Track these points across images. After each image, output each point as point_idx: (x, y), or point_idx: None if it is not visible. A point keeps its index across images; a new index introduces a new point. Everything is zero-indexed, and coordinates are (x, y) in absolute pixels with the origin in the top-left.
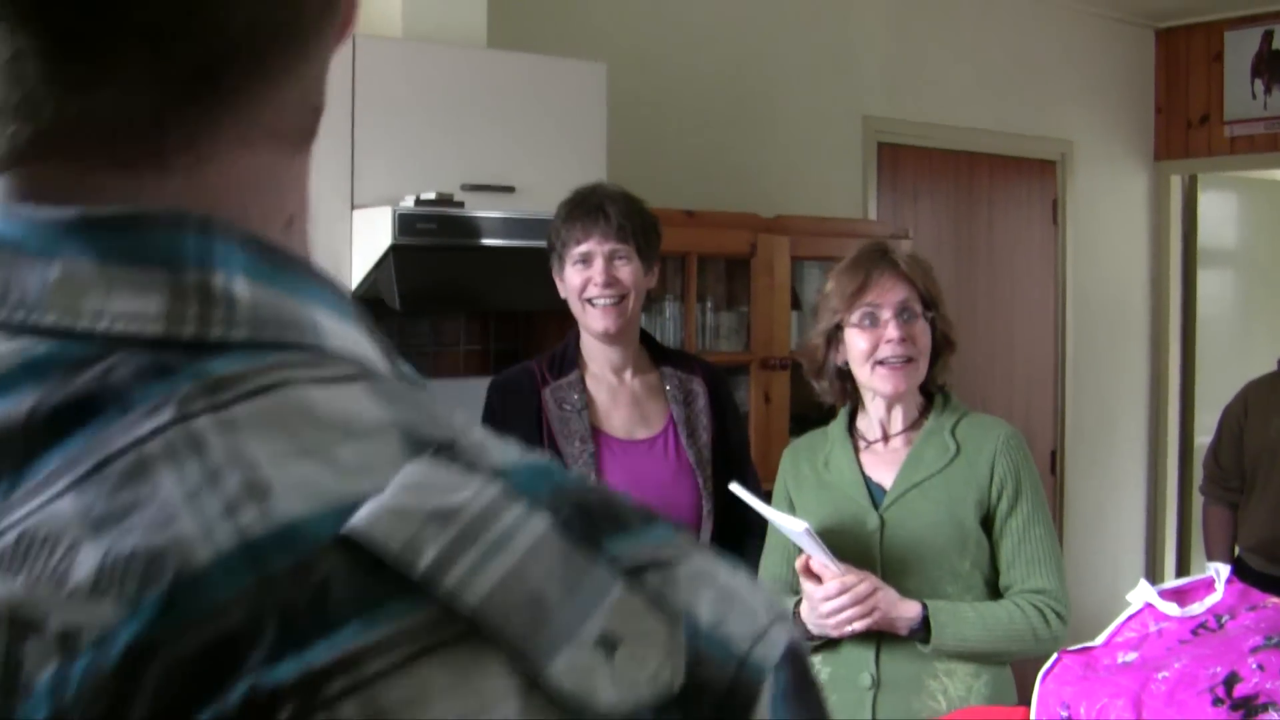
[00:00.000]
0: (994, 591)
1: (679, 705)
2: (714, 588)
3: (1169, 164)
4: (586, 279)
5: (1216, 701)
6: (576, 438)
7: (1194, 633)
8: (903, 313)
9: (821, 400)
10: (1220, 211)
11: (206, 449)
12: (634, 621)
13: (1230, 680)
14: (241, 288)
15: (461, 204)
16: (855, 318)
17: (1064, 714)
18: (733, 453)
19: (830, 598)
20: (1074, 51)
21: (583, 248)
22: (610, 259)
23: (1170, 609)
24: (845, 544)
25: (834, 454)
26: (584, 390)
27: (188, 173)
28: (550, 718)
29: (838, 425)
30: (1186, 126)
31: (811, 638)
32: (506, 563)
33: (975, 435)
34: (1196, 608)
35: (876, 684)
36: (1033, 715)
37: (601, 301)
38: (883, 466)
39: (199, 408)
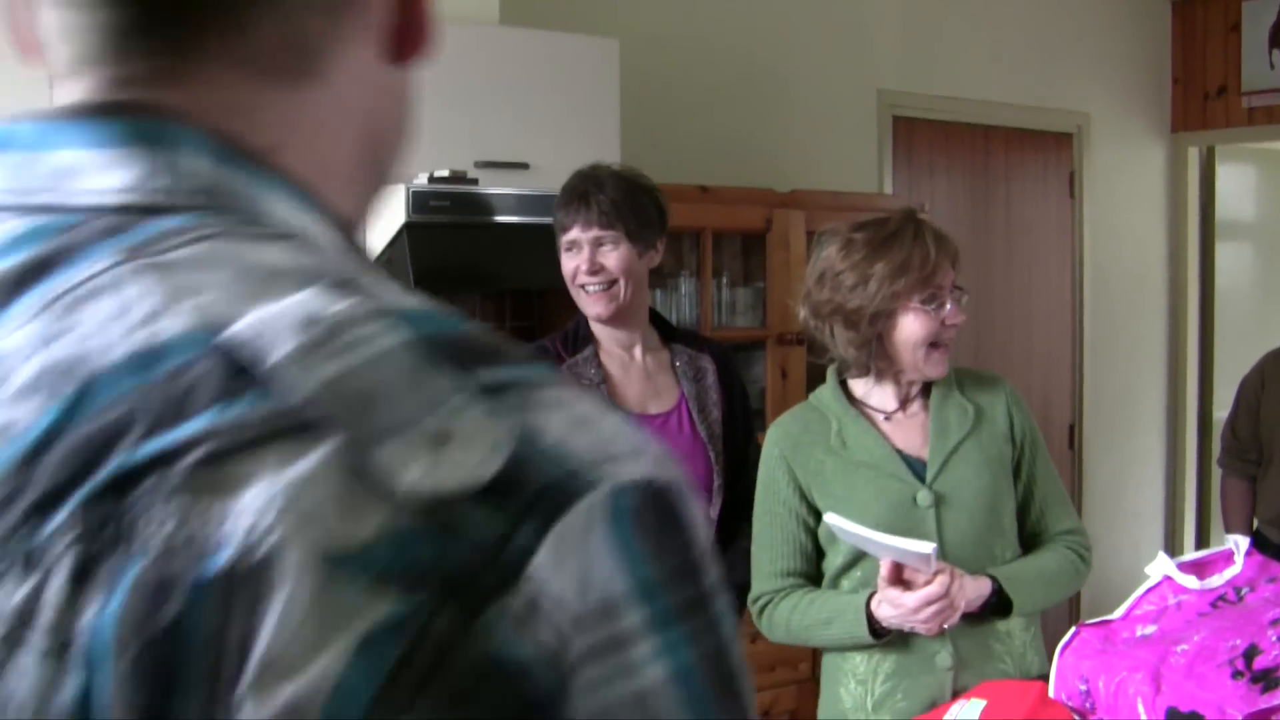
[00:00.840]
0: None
1: (482, 498)
2: (569, 413)
3: (1186, 135)
4: (575, 266)
5: (1236, 674)
6: None
7: (1213, 605)
8: (954, 292)
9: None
10: (1238, 183)
11: (140, 279)
12: (469, 423)
13: (1250, 653)
14: (205, 167)
15: (475, 181)
16: (918, 300)
17: (1083, 688)
18: (740, 429)
19: (932, 600)
20: (1090, 23)
21: (570, 235)
22: (596, 245)
23: (1189, 582)
24: (898, 524)
25: (849, 430)
26: (599, 365)
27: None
28: (356, 491)
29: (831, 398)
30: (1204, 98)
31: (886, 632)
32: (344, 363)
33: (983, 393)
34: (1215, 580)
35: (958, 661)
36: (1051, 688)
37: (592, 288)
38: (907, 436)
39: (142, 252)
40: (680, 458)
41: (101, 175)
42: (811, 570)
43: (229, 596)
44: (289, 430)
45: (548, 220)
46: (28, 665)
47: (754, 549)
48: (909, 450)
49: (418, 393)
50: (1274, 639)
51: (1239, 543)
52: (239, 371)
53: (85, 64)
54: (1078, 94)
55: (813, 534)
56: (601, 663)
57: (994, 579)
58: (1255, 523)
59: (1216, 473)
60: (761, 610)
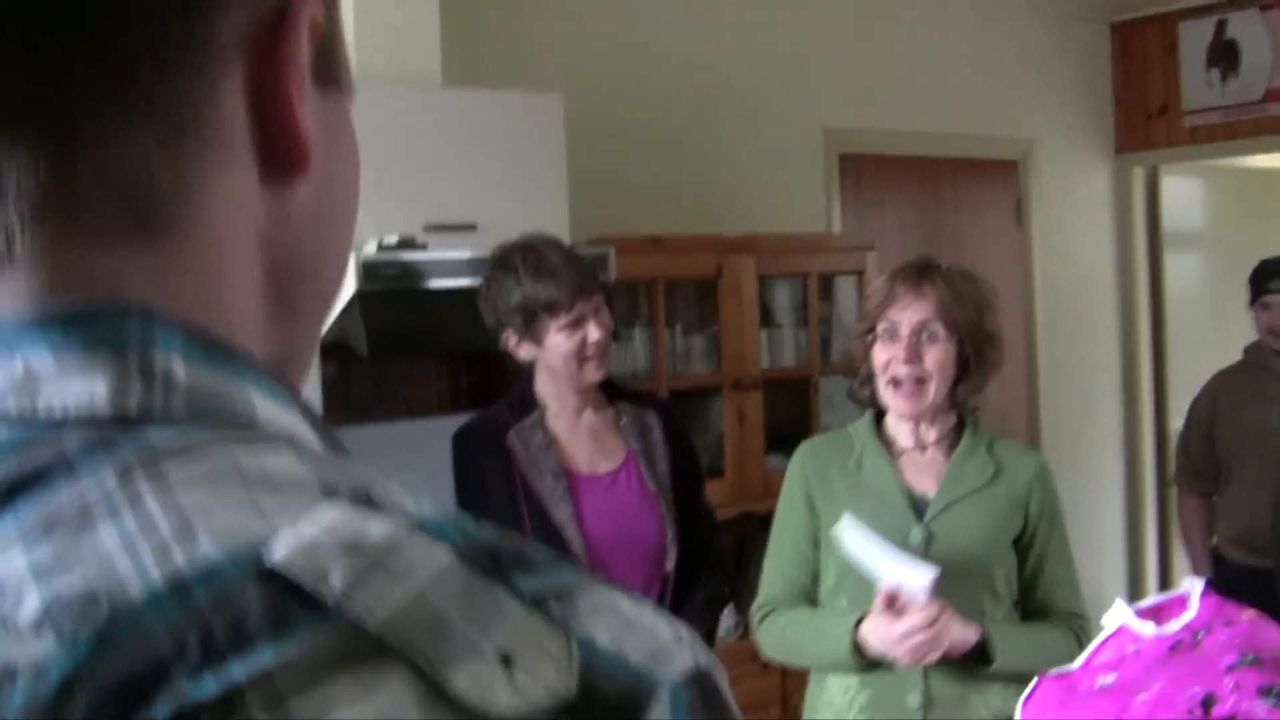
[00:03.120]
0: (1016, 608)
1: (571, 712)
2: (614, 615)
3: (1130, 156)
4: (581, 340)
5: None
6: (549, 474)
7: (1171, 651)
8: (921, 332)
9: (821, 412)
10: (1183, 200)
11: (141, 503)
12: (531, 639)
13: (1208, 701)
14: (179, 367)
15: (424, 245)
16: (880, 330)
17: None
18: (689, 484)
19: (916, 630)
20: (1031, 50)
21: (574, 312)
22: (594, 314)
23: (1146, 628)
24: None
25: (867, 458)
26: (547, 429)
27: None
28: (452, 718)
29: (864, 429)
30: (1146, 118)
31: (868, 659)
32: (411, 587)
33: (1011, 459)
34: (1172, 625)
35: (926, 704)
36: None
37: (596, 357)
38: (921, 476)
39: (138, 472)
40: (631, 515)
41: (69, 383)
42: (814, 587)
43: None
44: (362, 658)
45: None
46: None
47: (766, 558)
48: (918, 489)
49: (474, 611)
50: (1230, 686)
51: (1195, 585)
52: (292, 599)
53: None
54: (1022, 121)
55: (819, 551)
56: None
57: (984, 630)
58: (1214, 539)
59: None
60: (762, 620)
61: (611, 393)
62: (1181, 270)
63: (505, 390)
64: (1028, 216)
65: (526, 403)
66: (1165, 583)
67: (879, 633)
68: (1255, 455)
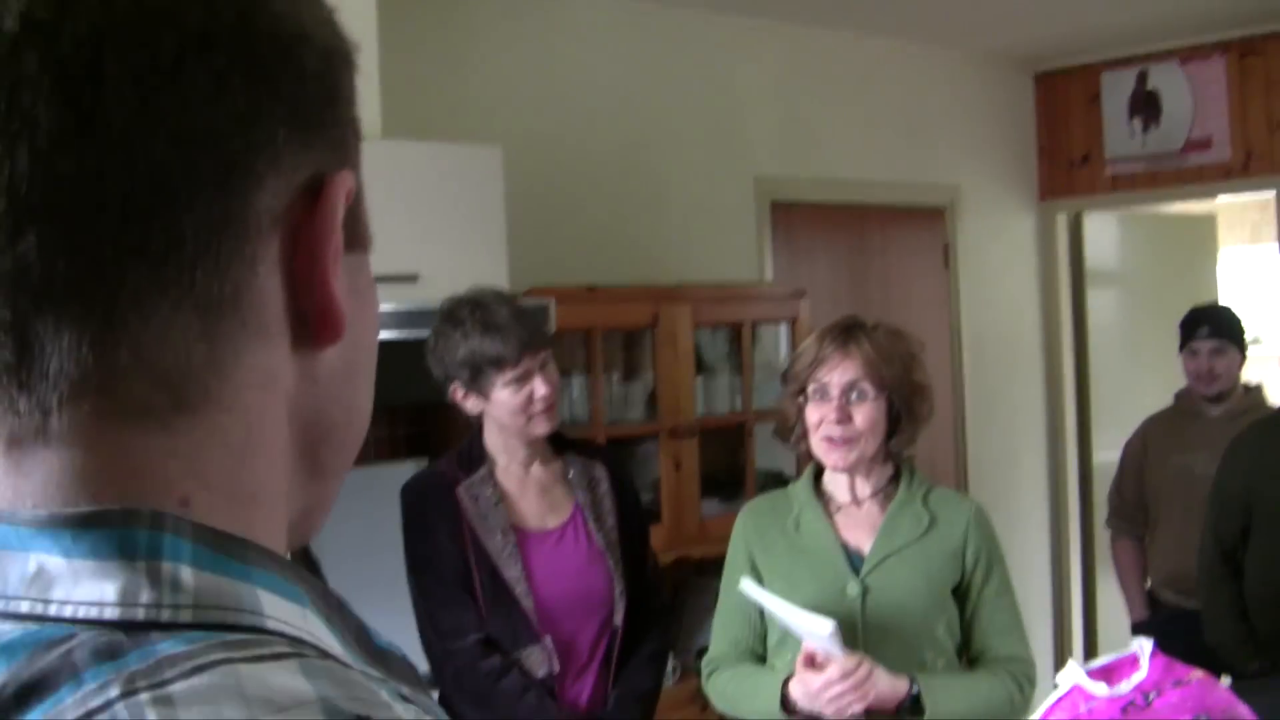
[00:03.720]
0: (960, 657)
1: None
2: None
3: (1054, 203)
4: (528, 395)
5: None
6: (498, 531)
7: (1123, 711)
8: (851, 391)
9: (744, 463)
10: (1105, 242)
11: None
12: None
13: None
14: (187, 574)
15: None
16: (810, 391)
17: None
18: (635, 537)
19: (832, 683)
20: (957, 99)
21: (521, 367)
22: (542, 369)
23: (1098, 689)
24: (824, 610)
25: (805, 516)
26: (496, 484)
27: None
28: None
29: (803, 487)
30: (1069, 166)
31: (798, 714)
32: None
33: (946, 508)
34: (1124, 686)
35: None
36: None
37: (543, 411)
38: (857, 531)
39: (141, 685)
40: (580, 570)
41: (81, 586)
42: (761, 644)
43: None
44: None
45: None
46: None
47: (715, 617)
48: (855, 544)
49: None
50: None
51: (1144, 645)
52: None
53: None
54: (948, 168)
55: (763, 611)
56: None
57: (913, 680)
58: (1149, 582)
59: (1100, 528)
60: (709, 675)
61: (559, 444)
62: (1103, 310)
63: (444, 440)
64: (955, 262)
65: (475, 457)
66: (1089, 620)
67: (801, 686)
68: (1181, 500)
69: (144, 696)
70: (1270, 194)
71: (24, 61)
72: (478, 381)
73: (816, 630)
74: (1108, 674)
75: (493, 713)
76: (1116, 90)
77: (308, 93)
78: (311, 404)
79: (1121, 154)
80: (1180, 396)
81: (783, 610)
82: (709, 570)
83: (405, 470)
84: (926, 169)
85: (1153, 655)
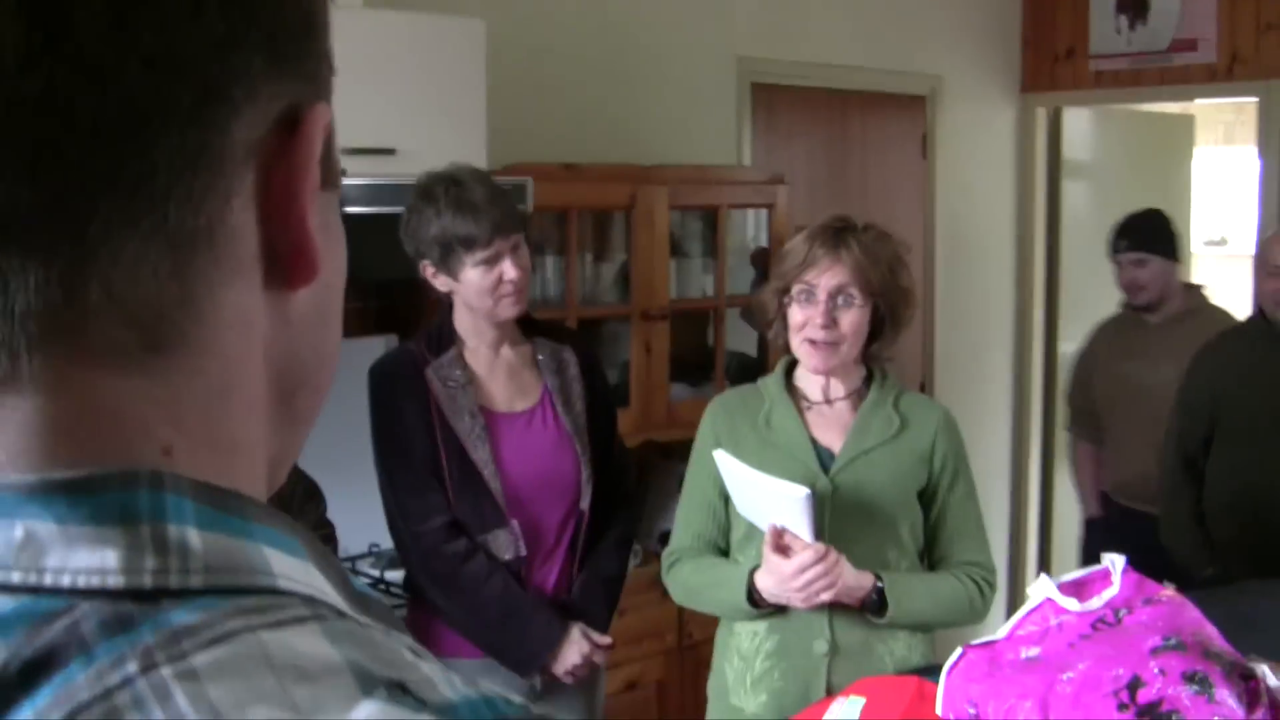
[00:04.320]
0: (923, 559)
1: None
2: None
3: (1035, 96)
4: (498, 276)
5: (1121, 706)
6: (466, 413)
7: (1093, 627)
8: (837, 296)
9: (713, 346)
10: (1083, 142)
11: (171, 699)
12: None
13: (1133, 685)
14: (194, 537)
15: (343, 170)
16: (795, 291)
17: (972, 712)
18: (603, 422)
19: (805, 569)
20: None
21: (492, 249)
22: (513, 251)
23: (1070, 604)
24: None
25: (776, 413)
26: (465, 366)
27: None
28: None
29: (774, 383)
30: (1053, 60)
31: (764, 607)
32: None
33: (916, 412)
34: (1095, 602)
35: (833, 650)
36: (938, 709)
37: (511, 294)
38: (828, 430)
39: (161, 658)
40: (547, 453)
41: (77, 553)
42: (724, 539)
43: None
44: None
45: None
46: None
47: (678, 509)
48: (826, 443)
49: None
50: (1155, 670)
51: (1115, 561)
52: None
53: None
54: (931, 57)
55: (728, 503)
56: None
57: (878, 578)
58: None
59: (1061, 427)
60: (670, 566)
61: (528, 328)
62: (1077, 205)
63: (415, 317)
64: (933, 152)
65: (444, 338)
66: (1046, 520)
67: (771, 575)
68: (1126, 408)
69: (166, 671)
70: (1253, 99)
71: None
72: (447, 260)
73: (791, 494)
74: (1079, 589)
75: (459, 596)
76: None
77: (285, 20)
78: (285, 347)
79: (1106, 50)
80: (1125, 304)
81: (756, 479)
82: (675, 454)
83: (375, 345)
84: (910, 57)
85: (1124, 572)
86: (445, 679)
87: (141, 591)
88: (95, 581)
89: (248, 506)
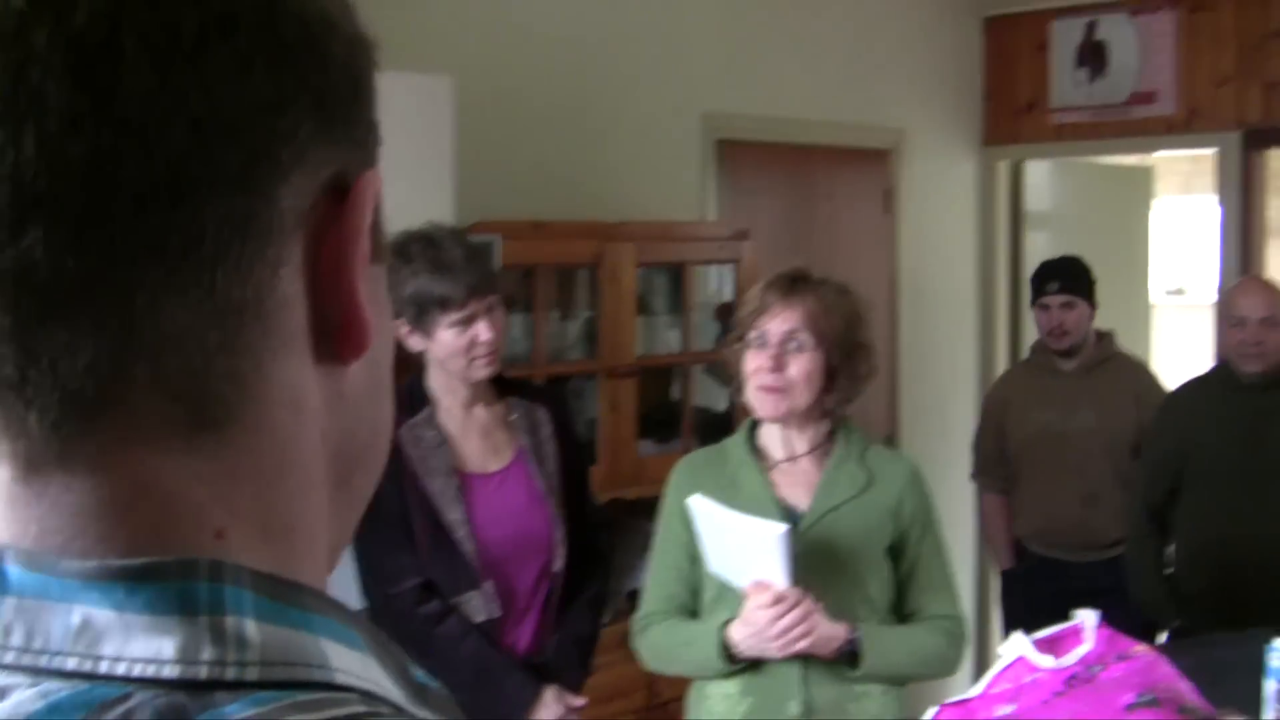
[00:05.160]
0: (893, 614)
1: None
2: None
3: (997, 149)
4: (472, 338)
5: None
6: (440, 474)
7: (1068, 684)
8: (788, 342)
9: (674, 403)
10: (1044, 194)
11: None
12: None
13: None
14: (251, 629)
15: None
16: (749, 338)
17: None
18: (576, 481)
19: (782, 615)
20: (905, 42)
21: (467, 310)
22: (487, 313)
23: (1044, 661)
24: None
25: (740, 473)
26: (438, 426)
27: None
28: None
29: (738, 444)
30: (1014, 113)
31: (738, 662)
32: None
33: (883, 466)
34: (1069, 658)
35: (806, 712)
36: None
37: (485, 356)
38: (794, 488)
39: None
40: (521, 514)
41: (134, 641)
42: (694, 600)
43: None
44: None
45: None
46: None
47: (647, 573)
48: (792, 501)
49: None
50: None
51: (1089, 617)
52: None
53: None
54: (894, 111)
55: (698, 565)
56: None
57: (854, 630)
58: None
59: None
60: (641, 631)
61: (502, 387)
62: (1039, 257)
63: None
64: (897, 206)
65: (417, 397)
66: None
67: (747, 627)
68: (1047, 456)
69: None
70: (1211, 150)
71: (33, 37)
72: (422, 320)
73: (769, 533)
74: (1053, 645)
75: (433, 658)
76: (1065, 38)
77: (333, 83)
78: (340, 425)
79: (1067, 103)
80: (1035, 350)
81: (733, 520)
82: (641, 512)
83: None
84: (873, 111)
85: (1098, 627)
86: None
87: (196, 682)
88: (150, 671)
89: (307, 597)
